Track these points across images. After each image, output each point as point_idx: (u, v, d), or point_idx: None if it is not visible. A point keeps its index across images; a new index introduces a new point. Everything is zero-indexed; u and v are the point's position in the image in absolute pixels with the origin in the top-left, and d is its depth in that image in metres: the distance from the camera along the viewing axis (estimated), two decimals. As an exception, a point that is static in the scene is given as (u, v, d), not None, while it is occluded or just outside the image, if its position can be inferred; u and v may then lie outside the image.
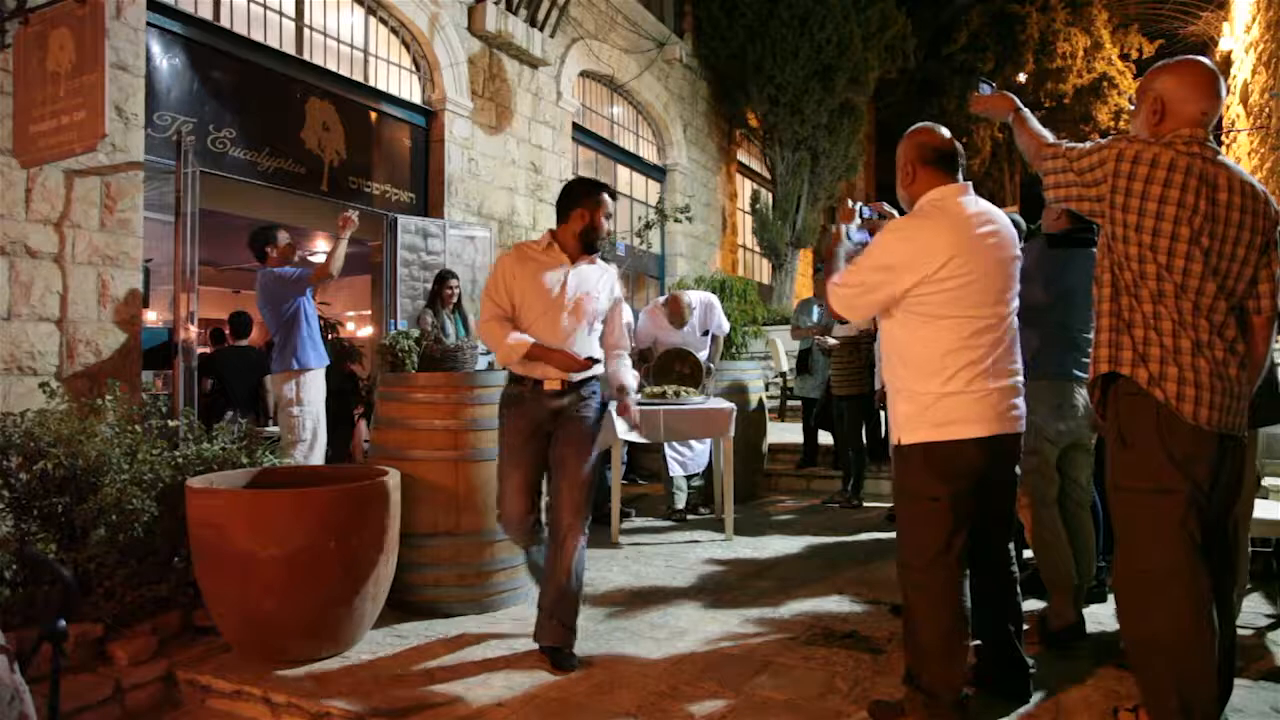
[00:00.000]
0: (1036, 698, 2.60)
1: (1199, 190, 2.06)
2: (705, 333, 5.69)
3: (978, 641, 2.57)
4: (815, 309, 6.26)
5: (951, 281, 2.31)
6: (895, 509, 2.54)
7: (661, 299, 5.91)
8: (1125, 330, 2.14)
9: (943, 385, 2.35)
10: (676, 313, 5.61)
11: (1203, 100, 2.14)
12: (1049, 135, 2.40)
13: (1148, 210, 2.07)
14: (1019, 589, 2.61)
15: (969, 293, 2.33)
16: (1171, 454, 2.06)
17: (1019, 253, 2.50)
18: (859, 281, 2.45)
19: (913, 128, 2.57)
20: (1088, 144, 2.25)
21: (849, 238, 2.77)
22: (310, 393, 4.75)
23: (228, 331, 6.93)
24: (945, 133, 2.51)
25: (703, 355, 5.66)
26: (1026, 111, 2.49)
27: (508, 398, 3.08)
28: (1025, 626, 3.18)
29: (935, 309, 2.34)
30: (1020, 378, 2.46)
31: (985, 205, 2.47)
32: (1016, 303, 2.47)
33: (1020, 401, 2.45)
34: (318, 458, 4.76)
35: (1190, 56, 2.23)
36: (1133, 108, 2.34)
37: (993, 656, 2.59)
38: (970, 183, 2.50)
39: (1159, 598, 2.07)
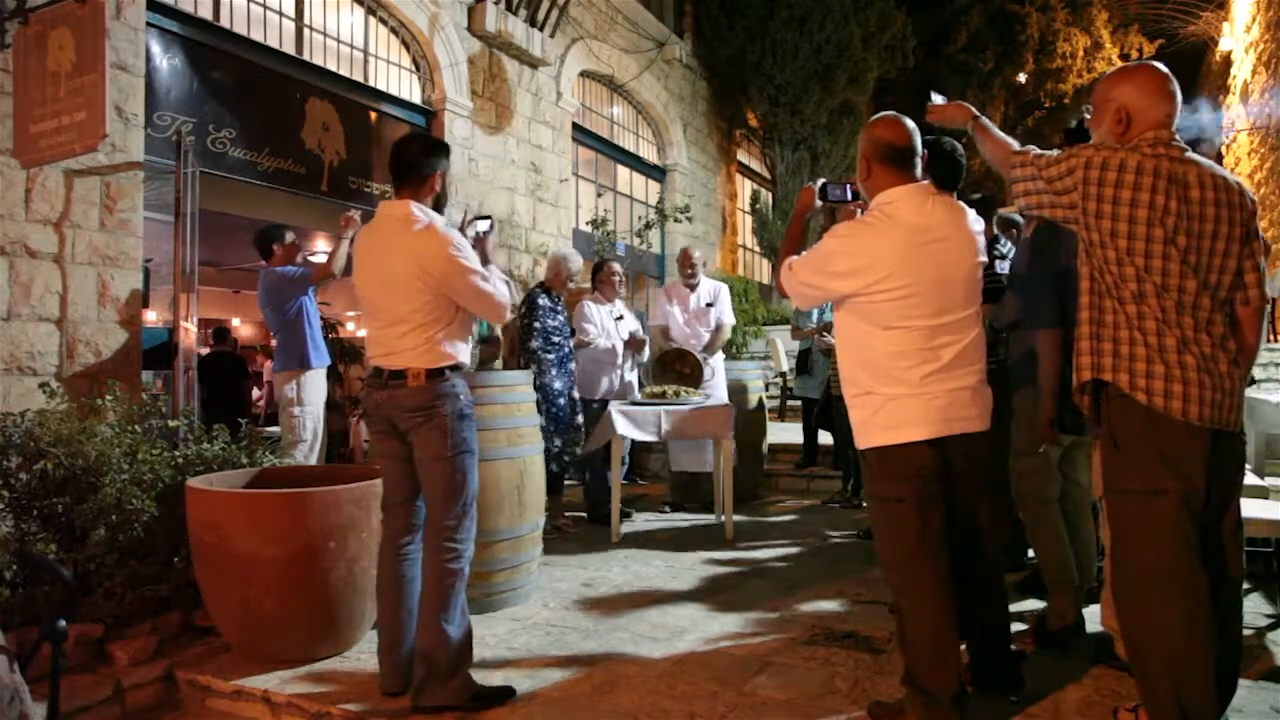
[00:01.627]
0: (1035, 697, 2.60)
1: (1169, 190, 2.07)
2: (710, 305, 5.85)
3: (967, 641, 2.57)
4: (815, 309, 6.26)
5: (893, 293, 2.33)
6: (868, 512, 2.55)
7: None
8: (1109, 336, 2.14)
9: (891, 387, 2.36)
10: (685, 263, 5.88)
11: (1166, 103, 2.16)
12: (1014, 143, 2.39)
13: (1120, 215, 2.08)
14: (1005, 585, 2.61)
15: (912, 304, 2.33)
16: (1163, 454, 2.06)
17: (982, 256, 2.48)
18: (804, 280, 2.51)
19: (873, 118, 2.53)
20: (1055, 152, 2.25)
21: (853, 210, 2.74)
22: (311, 393, 4.76)
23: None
24: (906, 126, 2.45)
25: (704, 334, 5.79)
26: (986, 120, 2.48)
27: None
28: (1025, 626, 3.19)
29: (882, 318, 2.36)
30: (982, 376, 2.45)
31: (943, 207, 2.42)
32: (976, 305, 2.46)
33: (982, 400, 2.44)
34: (317, 458, 4.76)
35: (1141, 62, 2.25)
36: (1089, 116, 2.34)
37: (984, 652, 2.59)
38: (928, 180, 2.47)
39: (1153, 599, 2.07)
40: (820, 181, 2.69)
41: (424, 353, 2.64)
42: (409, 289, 2.62)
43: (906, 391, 2.34)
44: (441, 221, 2.71)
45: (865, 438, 2.44)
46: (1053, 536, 3.09)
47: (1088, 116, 2.36)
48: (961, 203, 2.53)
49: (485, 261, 2.86)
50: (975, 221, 2.50)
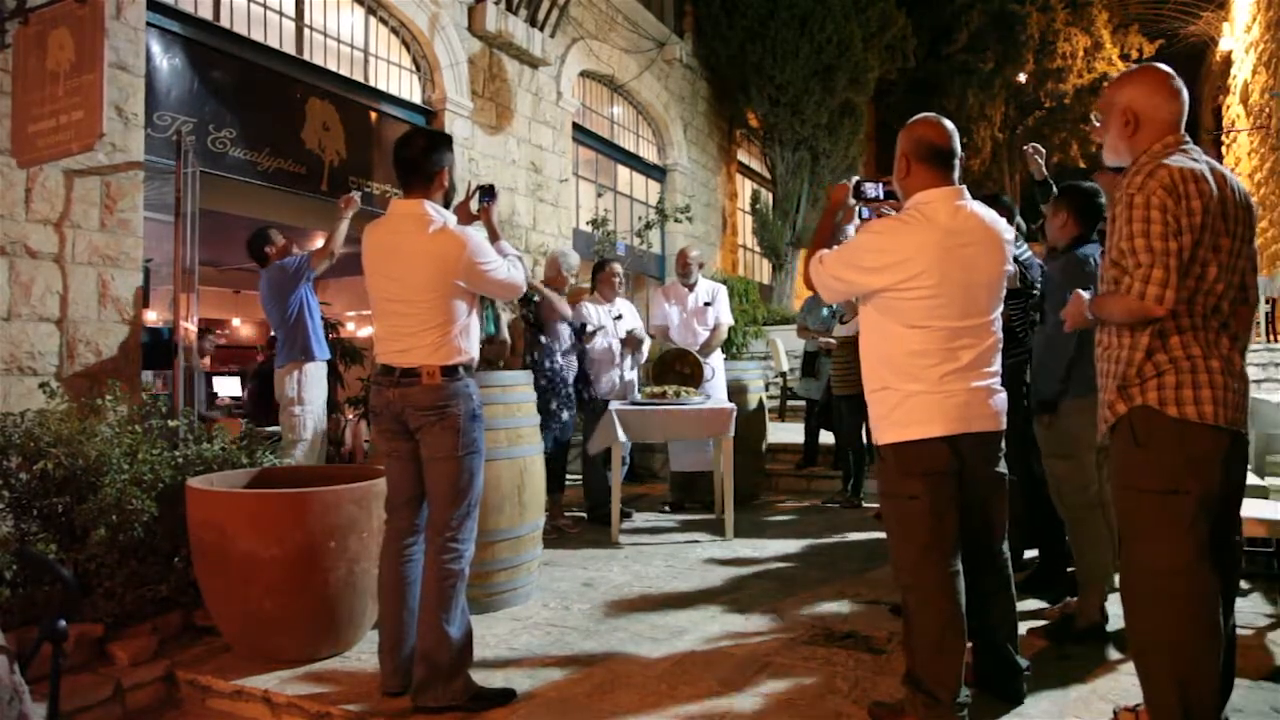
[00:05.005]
0: (1036, 697, 2.60)
1: (1210, 193, 2.04)
2: (708, 304, 5.90)
3: (971, 643, 2.56)
4: (823, 307, 6.27)
5: (921, 292, 2.33)
6: (880, 509, 2.55)
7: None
8: (1143, 346, 2.10)
9: (910, 384, 2.36)
10: (682, 264, 5.94)
11: (1173, 102, 2.14)
12: (1113, 298, 2.16)
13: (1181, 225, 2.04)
14: (1013, 589, 2.61)
15: (938, 304, 2.34)
16: (1189, 456, 2.04)
17: (1010, 263, 2.49)
18: (833, 274, 2.51)
19: (914, 119, 2.53)
20: (1145, 214, 2.04)
21: (860, 216, 2.75)
22: (312, 391, 4.74)
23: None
24: (946, 127, 2.46)
25: (702, 333, 5.83)
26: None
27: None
28: (1045, 622, 3.20)
29: (907, 316, 2.36)
30: (998, 378, 2.46)
31: (975, 213, 2.43)
32: (999, 309, 2.47)
33: (998, 400, 2.45)
34: (318, 457, 4.75)
35: (1145, 64, 2.23)
36: (1098, 124, 2.27)
37: (987, 657, 2.59)
38: (964, 186, 2.47)
39: (1166, 598, 2.05)
40: (855, 179, 2.69)
41: (437, 349, 2.65)
42: (424, 289, 2.64)
43: (925, 389, 2.35)
44: (454, 220, 2.74)
45: (882, 434, 2.44)
46: (1094, 539, 3.11)
47: (1096, 124, 2.30)
48: (993, 210, 2.53)
49: (494, 237, 2.90)
50: (1006, 230, 2.49)
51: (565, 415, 5.07)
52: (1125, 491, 2.15)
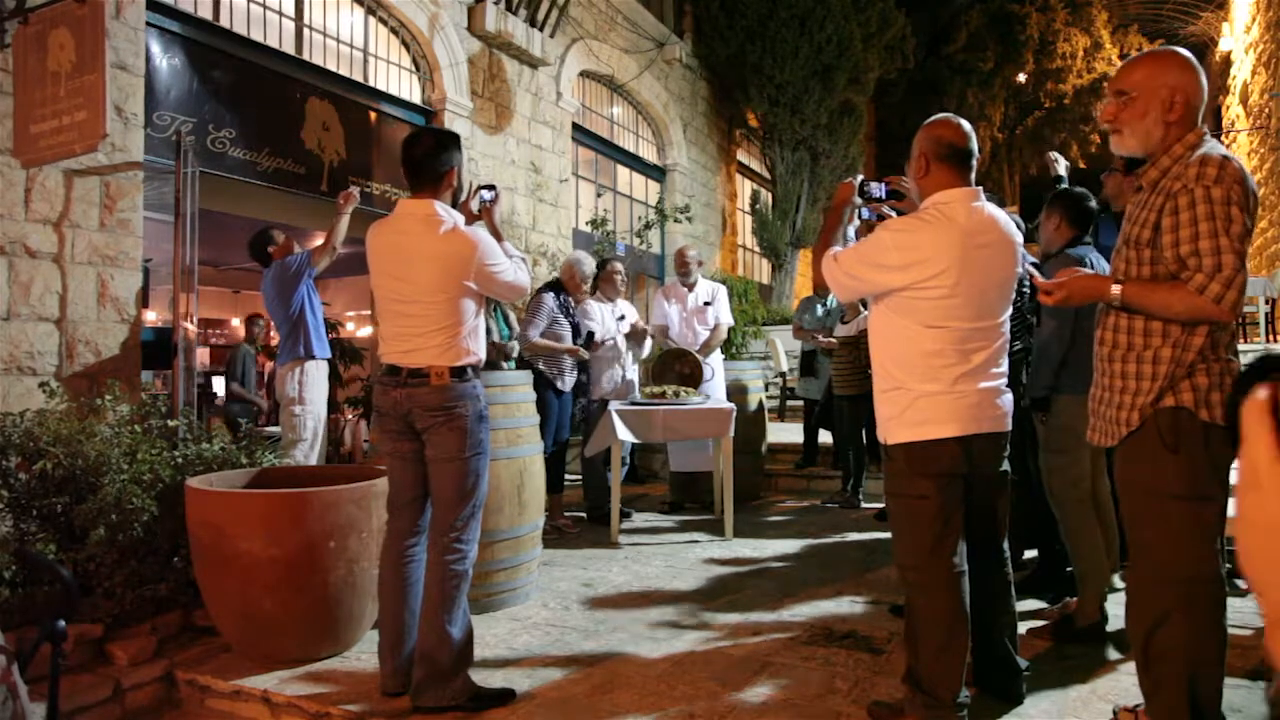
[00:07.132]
0: (1036, 697, 2.60)
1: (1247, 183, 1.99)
2: (708, 303, 5.91)
3: (973, 641, 2.57)
4: (818, 306, 6.28)
5: (939, 291, 2.33)
6: (887, 508, 2.55)
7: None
8: (1196, 347, 2.02)
9: (924, 384, 2.36)
10: (680, 263, 5.99)
11: (1204, 92, 2.08)
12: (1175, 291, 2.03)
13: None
14: (1014, 590, 2.61)
15: (956, 304, 2.34)
16: (1214, 460, 2.01)
17: (1021, 263, 2.49)
18: (849, 271, 2.49)
19: (932, 118, 2.52)
20: (1227, 199, 1.93)
21: (860, 216, 2.75)
22: (312, 391, 4.74)
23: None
24: (964, 127, 2.46)
25: (702, 333, 5.84)
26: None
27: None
28: (1045, 622, 3.20)
29: (924, 316, 2.36)
30: (1005, 380, 2.47)
31: (991, 213, 2.44)
32: (1009, 311, 2.48)
33: (1005, 401, 2.46)
34: (318, 457, 4.75)
35: (1172, 49, 2.11)
36: (1122, 100, 2.10)
37: (987, 658, 2.59)
38: (980, 187, 2.48)
39: (1190, 605, 2.01)
40: (859, 178, 2.68)
41: (445, 350, 2.64)
42: (434, 289, 2.63)
43: (939, 389, 2.35)
44: (463, 220, 2.74)
45: (892, 434, 2.43)
46: (1088, 536, 3.11)
47: (1111, 104, 2.12)
48: (1004, 211, 2.53)
49: (497, 237, 2.89)
50: (1016, 233, 2.50)
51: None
52: (1149, 497, 2.06)
